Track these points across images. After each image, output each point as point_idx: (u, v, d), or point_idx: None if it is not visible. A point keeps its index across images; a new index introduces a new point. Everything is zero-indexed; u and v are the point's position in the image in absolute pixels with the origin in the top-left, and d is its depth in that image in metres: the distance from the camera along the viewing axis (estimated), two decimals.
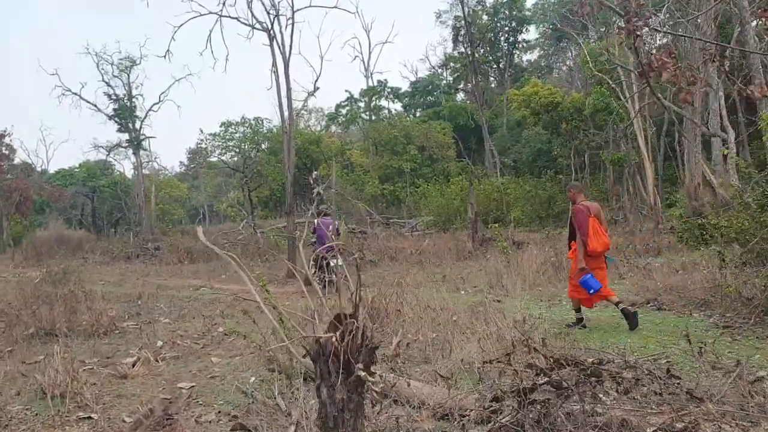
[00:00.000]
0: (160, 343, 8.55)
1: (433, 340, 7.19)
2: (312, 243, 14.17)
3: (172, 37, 16.08)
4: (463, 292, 11.78)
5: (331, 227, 13.26)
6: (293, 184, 15.19)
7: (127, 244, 29.14)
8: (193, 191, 69.59)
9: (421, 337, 7.35)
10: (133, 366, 7.28)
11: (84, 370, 7.13)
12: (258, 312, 11.29)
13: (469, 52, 44.44)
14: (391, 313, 8.68)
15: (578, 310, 8.35)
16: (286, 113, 15.00)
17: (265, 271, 17.54)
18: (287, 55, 14.99)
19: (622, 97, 24.54)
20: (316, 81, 17.04)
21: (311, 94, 18.05)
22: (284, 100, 14.94)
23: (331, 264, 12.57)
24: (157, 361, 7.59)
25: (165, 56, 16.76)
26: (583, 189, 8.76)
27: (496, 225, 20.13)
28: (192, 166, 72.27)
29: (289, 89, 15.11)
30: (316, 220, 13.46)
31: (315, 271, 13.40)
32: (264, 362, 7.20)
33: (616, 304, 8.00)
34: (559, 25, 41.86)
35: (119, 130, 36.38)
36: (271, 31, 14.90)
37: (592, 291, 7.85)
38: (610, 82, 25.38)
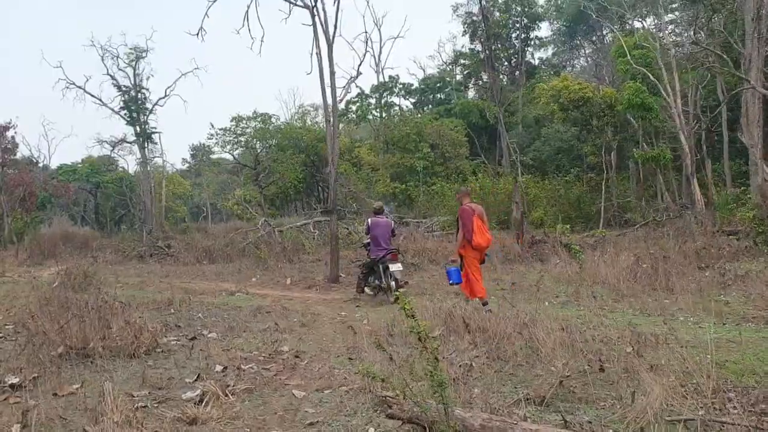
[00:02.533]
0: (219, 368, 6.86)
1: (593, 378, 5.51)
2: (365, 245, 12.45)
3: (206, 14, 14.28)
4: (547, 303, 10.12)
5: (386, 227, 11.58)
6: (336, 180, 13.48)
7: (138, 242, 27.30)
8: (195, 189, 67.65)
9: (569, 372, 5.66)
10: (201, 403, 5.58)
11: (137, 408, 5.44)
12: (332, 325, 9.64)
13: (482, 48, 42.78)
14: (511, 335, 6.96)
15: (485, 304, 9.30)
16: (329, 100, 13.33)
17: (296, 274, 15.90)
18: (332, 36, 13.33)
19: (663, 92, 22.92)
20: (360, 65, 15.41)
21: (354, 79, 16.31)
22: (327, 87, 13.30)
23: (391, 269, 10.88)
24: (226, 395, 5.88)
25: (198, 34, 14.99)
26: (468, 193, 9.99)
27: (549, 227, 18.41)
28: (195, 163, 70.41)
29: (332, 74, 13.44)
30: (369, 219, 11.77)
31: (367, 276, 11.73)
32: (373, 401, 5.48)
33: (484, 303, 9.26)
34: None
35: (128, 123, 34.52)
36: (315, 8, 13.19)
37: (451, 281, 9.63)
38: (650, 76, 23.78)
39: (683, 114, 22.83)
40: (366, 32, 40.48)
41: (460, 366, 6.48)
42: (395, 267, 10.87)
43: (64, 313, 8.40)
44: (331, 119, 13.34)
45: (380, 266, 11.33)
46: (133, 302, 12.12)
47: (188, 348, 7.92)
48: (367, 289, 11.64)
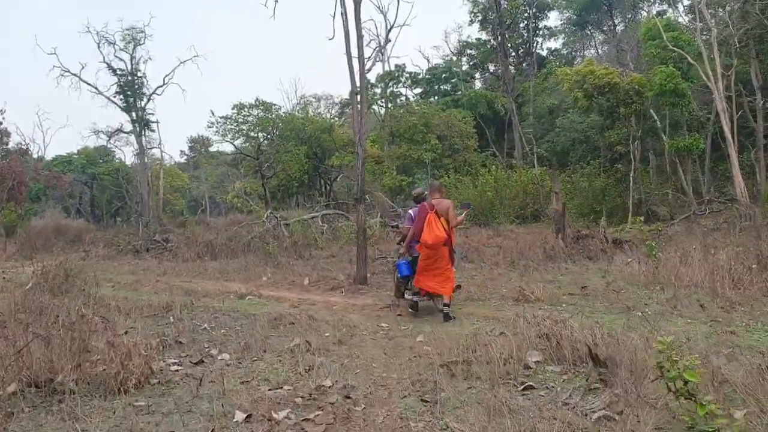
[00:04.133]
0: (240, 416, 4.70)
1: None
2: (400, 240, 10.24)
3: None
4: (639, 313, 7.97)
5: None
6: (362, 167, 11.24)
7: (134, 236, 25.03)
8: (193, 182, 65.24)
9: None
10: None
11: None
12: (376, 343, 7.46)
13: (494, 35, 40.62)
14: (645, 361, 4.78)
15: (446, 305, 8.45)
16: (356, 68, 11.06)
17: (312, 273, 13.74)
18: None
19: (704, 76, 20.73)
20: (389, 31, 13.22)
21: (383, 45, 14.08)
22: (354, 54, 11.03)
23: None
24: None
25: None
26: (438, 188, 9.21)
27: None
28: (193, 155, 68.03)
29: (360, 37, 11.15)
30: (411, 210, 9.59)
31: (408, 278, 9.55)
32: None
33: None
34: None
35: (124, 109, 32.13)
36: None
37: (400, 275, 9.19)
38: (689, 59, 21.61)
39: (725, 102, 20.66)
40: None
41: (597, 419, 4.35)
42: None
43: (23, 329, 6.22)
44: (358, 90, 11.11)
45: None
46: (125, 306, 9.99)
47: (194, 379, 5.77)
48: (407, 294, 9.51)
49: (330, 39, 11.86)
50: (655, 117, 26.41)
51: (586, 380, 5.09)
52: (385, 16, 41.54)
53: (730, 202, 18.85)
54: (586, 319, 7.10)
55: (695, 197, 25.24)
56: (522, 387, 5.12)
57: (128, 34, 30.80)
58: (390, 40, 14.59)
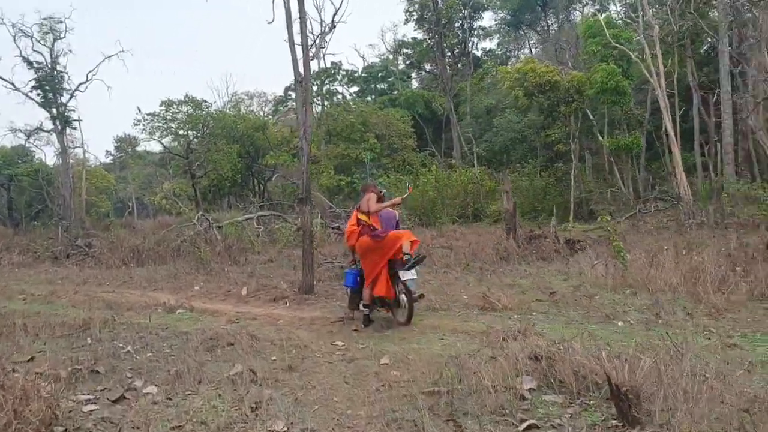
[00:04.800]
0: None
1: None
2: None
3: None
4: (621, 323, 7.18)
5: (391, 219, 8.40)
6: (307, 163, 10.07)
7: (53, 240, 23.05)
8: (120, 183, 62.19)
9: None
10: None
11: None
12: (333, 367, 6.32)
13: (431, 34, 39.99)
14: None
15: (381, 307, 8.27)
16: (299, 54, 9.94)
17: (250, 281, 12.53)
18: None
19: (647, 73, 20.45)
20: (335, 14, 12.13)
21: (329, 30, 12.95)
22: (297, 42, 9.85)
23: (402, 277, 7.72)
24: None
25: None
26: (368, 187, 8.50)
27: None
28: (119, 155, 64.93)
29: (303, 20, 9.96)
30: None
31: (362, 287, 8.53)
32: None
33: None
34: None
35: (42, 105, 29.72)
36: None
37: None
38: (633, 55, 21.32)
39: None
40: None
41: None
42: (408, 275, 7.73)
43: None
44: (302, 78, 9.92)
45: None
46: (36, 324, 8.60)
47: (111, 424, 4.60)
48: (362, 305, 8.48)
49: (269, 23, 10.69)
50: (591, 116, 26.27)
51: (602, 415, 4.18)
52: (320, 13, 40.45)
53: (676, 200, 18.61)
54: (565, 331, 6.24)
55: (634, 196, 25.17)
56: (523, 426, 4.16)
57: (45, 25, 28.51)
58: (335, 26, 13.47)
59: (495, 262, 13.10)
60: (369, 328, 7.80)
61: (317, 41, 11.58)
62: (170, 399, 5.21)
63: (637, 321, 7.22)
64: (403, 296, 7.81)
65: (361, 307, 8.32)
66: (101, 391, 5.51)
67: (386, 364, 5.97)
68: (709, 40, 29.62)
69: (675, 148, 19.73)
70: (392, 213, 8.38)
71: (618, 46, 21.51)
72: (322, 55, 31.67)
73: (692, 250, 10.15)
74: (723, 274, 8.32)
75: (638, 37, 21.72)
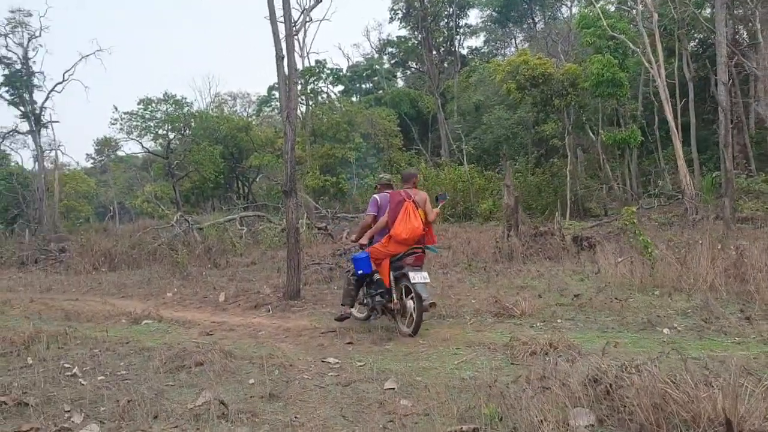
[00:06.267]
0: None
1: None
2: (355, 236, 7.87)
3: None
4: (666, 330, 5.97)
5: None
6: (292, 151, 8.73)
7: (22, 244, 21.52)
8: (101, 187, 60.31)
9: None
10: None
11: None
12: (325, 394, 4.82)
13: (419, 30, 38.83)
14: None
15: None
16: (282, 34, 8.58)
17: (229, 285, 11.21)
18: None
19: (646, 63, 19.35)
20: None
21: (313, 6, 11.62)
22: (279, 18, 8.58)
23: (412, 279, 6.47)
24: None
25: None
26: (409, 177, 7.31)
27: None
28: (101, 159, 62.97)
29: None
30: (377, 196, 7.35)
31: (360, 287, 7.30)
32: None
33: None
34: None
35: (12, 103, 28.11)
36: None
37: (356, 273, 6.97)
38: (631, 45, 20.20)
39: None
40: None
41: None
42: (419, 277, 6.49)
43: None
44: (284, 55, 8.57)
45: (392, 275, 6.88)
46: None
47: None
48: (354, 311, 7.22)
49: None
50: (582, 111, 25.19)
51: None
52: (303, 10, 39.12)
53: (680, 195, 17.50)
54: (600, 341, 5.01)
55: (630, 192, 24.13)
56: None
57: (13, 18, 26.92)
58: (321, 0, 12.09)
59: (498, 261, 11.87)
60: (366, 341, 6.49)
61: (302, 16, 10.08)
62: None
63: (684, 328, 6.00)
64: (410, 302, 6.55)
65: (354, 311, 7.10)
66: None
67: (392, 389, 4.69)
68: (697, 36, 28.84)
69: (676, 141, 18.61)
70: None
71: (615, 36, 20.33)
72: (305, 29, 30.01)
73: (723, 245, 8.97)
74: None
75: (635, 28, 20.69)
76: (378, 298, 6.83)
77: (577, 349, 5.33)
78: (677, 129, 18.69)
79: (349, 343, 6.41)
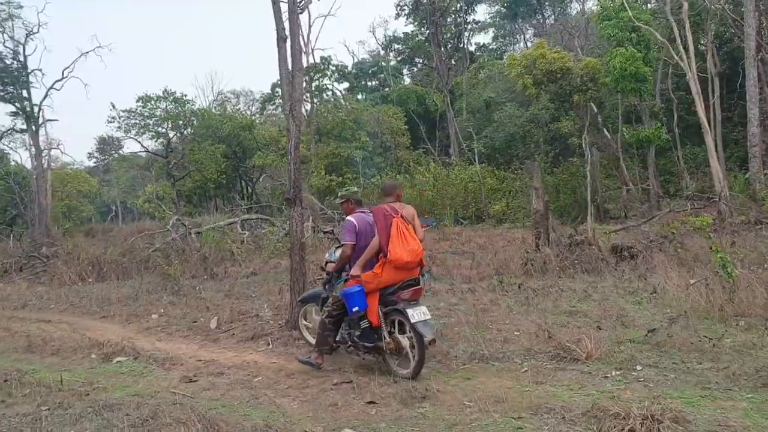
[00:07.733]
0: None
1: None
2: (326, 268, 6.39)
3: None
4: None
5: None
6: (296, 149, 7.15)
7: (6, 250, 19.99)
8: (104, 186, 58.87)
9: None
10: None
11: None
12: None
13: (428, 25, 37.30)
14: None
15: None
16: (285, 17, 7.00)
17: (225, 304, 9.68)
18: None
19: (675, 56, 17.76)
20: None
21: None
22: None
23: (412, 317, 5.00)
24: None
25: None
26: (392, 190, 6.08)
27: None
28: (103, 158, 61.56)
29: None
30: (352, 218, 5.84)
31: (339, 323, 5.84)
32: None
33: None
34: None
35: (2, 99, 26.57)
36: None
37: (350, 311, 5.49)
38: (658, 36, 18.58)
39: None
40: None
41: None
42: (419, 314, 5.09)
43: None
44: (287, 36, 7.02)
45: (381, 311, 5.39)
46: None
47: None
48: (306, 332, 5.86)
49: None
50: (595, 109, 23.59)
51: None
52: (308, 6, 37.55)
53: (717, 198, 15.91)
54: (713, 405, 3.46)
55: (652, 192, 22.52)
56: None
57: (3, 9, 25.35)
58: None
59: (530, 274, 10.31)
60: (393, 399, 4.90)
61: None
62: None
63: None
64: (405, 340, 5.31)
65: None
66: None
67: None
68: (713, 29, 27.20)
69: (708, 139, 17.00)
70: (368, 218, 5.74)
71: (641, 26, 18.67)
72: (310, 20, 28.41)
73: None
74: None
75: (655, 19, 19.07)
76: (367, 340, 5.46)
77: (688, 422, 3.80)
78: (710, 126, 17.08)
79: (370, 402, 4.84)
